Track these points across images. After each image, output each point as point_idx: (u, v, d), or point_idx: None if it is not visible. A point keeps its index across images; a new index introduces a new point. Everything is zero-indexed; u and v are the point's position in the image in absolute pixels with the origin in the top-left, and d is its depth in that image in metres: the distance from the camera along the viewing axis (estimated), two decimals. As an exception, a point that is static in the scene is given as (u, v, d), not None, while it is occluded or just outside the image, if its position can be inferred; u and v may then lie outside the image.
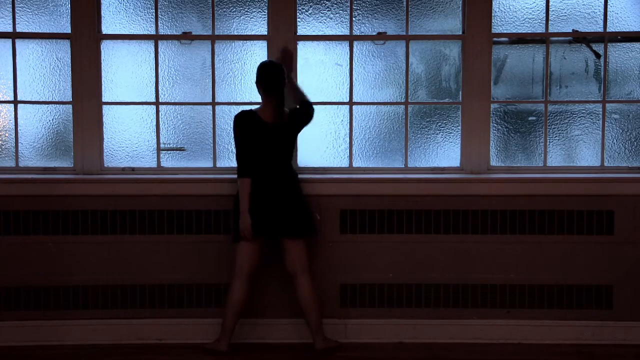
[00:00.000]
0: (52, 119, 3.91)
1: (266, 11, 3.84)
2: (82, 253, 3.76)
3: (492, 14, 3.83)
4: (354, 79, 3.89)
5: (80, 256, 3.77)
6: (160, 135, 3.91)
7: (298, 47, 3.85)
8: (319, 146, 3.93)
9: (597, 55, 3.90)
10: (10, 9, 3.82)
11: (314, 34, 3.88)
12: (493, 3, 3.82)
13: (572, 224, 3.76)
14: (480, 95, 3.84)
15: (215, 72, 3.88)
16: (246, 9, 3.87)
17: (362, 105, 3.92)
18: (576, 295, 3.81)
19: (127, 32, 3.86)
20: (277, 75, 3.48)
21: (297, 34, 3.85)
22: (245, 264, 3.51)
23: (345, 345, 3.72)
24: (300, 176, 3.66)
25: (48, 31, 3.84)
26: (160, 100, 3.89)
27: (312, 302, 3.54)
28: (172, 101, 3.91)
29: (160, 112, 3.90)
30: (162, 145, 3.92)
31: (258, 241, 3.52)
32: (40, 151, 3.92)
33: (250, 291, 3.58)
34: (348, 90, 3.89)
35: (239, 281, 3.52)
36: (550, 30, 3.87)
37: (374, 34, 3.88)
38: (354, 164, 3.92)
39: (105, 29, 3.85)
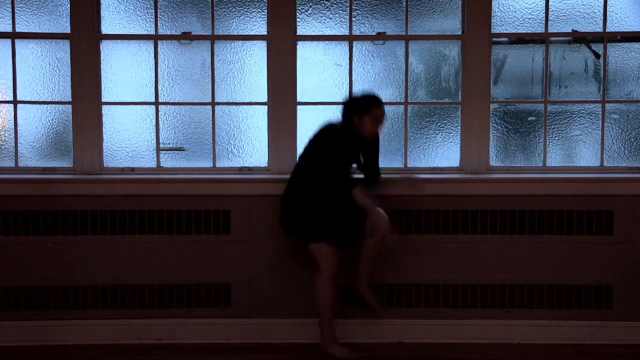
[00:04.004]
0: (52, 119, 3.91)
1: (266, 11, 3.84)
2: (82, 253, 3.76)
3: (492, 14, 3.83)
4: (353, 79, 3.89)
5: (80, 256, 3.76)
6: (160, 136, 3.91)
7: (298, 47, 3.85)
8: (318, 146, 3.92)
9: (597, 55, 3.90)
10: (10, 9, 3.82)
11: (313, 34, 3.88)
12: (493, 3, 3.82)
13: (572, 224, 3.76)
14: (480, 95, 3.84)
15: (215, 72, 3.88)
16: (246, 9, 3.87)
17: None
18: (576, 295, 3.81)
19: (126, 32, 3.86)
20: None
21: (297, 34, 3.85)
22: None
23: (345, 345, 3.72)
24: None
25: (47, 31, 3.84)
26: (159, 101, 3.89)
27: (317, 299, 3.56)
28: (172, 101, 3.91)
29: (159, 112, 3.90)
30: (161, 145, 3.92)
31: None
32: (40, 151, 3.92)
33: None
34: (348, 90, 3.88)
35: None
36: (550, 30, 3.87)
37: (374, 34, 3.88)
38: (354, 164, 3.91)
39: (105, 29, 3.84)
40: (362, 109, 3.44)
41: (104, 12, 3.84)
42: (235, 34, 3.88)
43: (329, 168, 3.46)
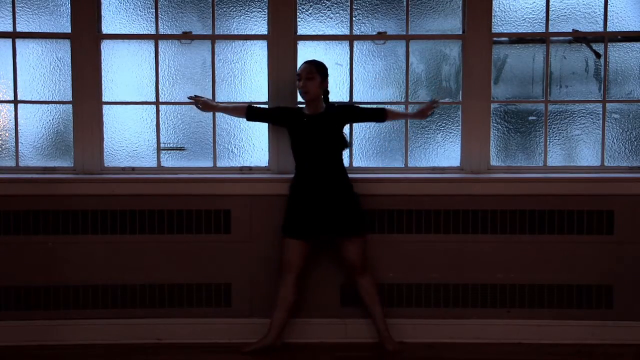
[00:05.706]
0: (52, 119, 3.91)
1: (266, 11, 3.84)
2: (82, 253, 3.76)
3: (492, 14, 3.83)
4: (354, 78, 3.89)
5: (80, 256, 3.77)
6: (161, 135, 3.91)
7: (298, 46, 3.85)
8: (319, 146, 3.92)
9: (597, 55, 3.90)
10: (10, 9, 3.82)
11: (314, 33, 3.88)
12: (493, 3, 3.82)
13: (572, 224, 3.76)
14: (480, 95, 3.84)
15: (215, 72, 3.88)
16: (246, 9, 3.87)
17: (363, 105, 3.91)
18: (576, 295, 3.81)
19: (127, 32, 3.86)
20: None
21: (297, 33, 3.85)
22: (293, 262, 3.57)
23: (345, 345, 3.73)
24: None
25: (48, 31, 3.84)
26: (160, 100, 3.89)
27: (368, 301, 3.63)
28: (172, 101, 3.91)
29: (160, 112, 3.90)
30: (162, 145, 3.92)
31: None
32: (41, 151, 3.92)
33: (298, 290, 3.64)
34: (348, 89, 3.89)
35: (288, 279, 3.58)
36: (550, 30, 3.87)
37: (374, 33, 3.88)
38: (354, 164, 3.92)
39: (105, 29, 3.85)
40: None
41: (104, 12, 3.84)
42: (236, 33, 3.88)
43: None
